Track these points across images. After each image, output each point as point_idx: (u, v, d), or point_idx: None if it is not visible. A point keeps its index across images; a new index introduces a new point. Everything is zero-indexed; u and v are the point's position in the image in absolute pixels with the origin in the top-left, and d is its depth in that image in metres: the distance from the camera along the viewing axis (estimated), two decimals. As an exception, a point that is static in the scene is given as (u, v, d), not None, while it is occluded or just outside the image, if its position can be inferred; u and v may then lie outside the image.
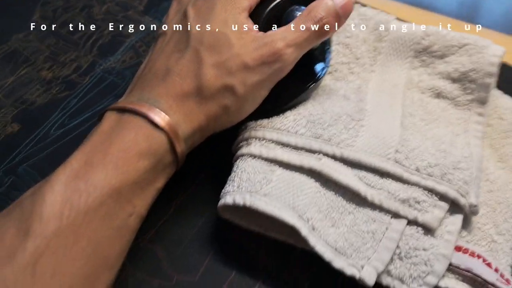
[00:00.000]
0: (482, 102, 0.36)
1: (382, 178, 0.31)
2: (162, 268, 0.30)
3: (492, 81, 0.35)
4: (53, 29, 0.43)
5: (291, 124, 0.32)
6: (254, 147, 0.31)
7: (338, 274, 0.28)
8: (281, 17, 0.32)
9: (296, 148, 0.31)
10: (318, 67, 0.34)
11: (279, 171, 0.31)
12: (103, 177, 0.25)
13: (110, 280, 0.26)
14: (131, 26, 0.44)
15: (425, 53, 0.38)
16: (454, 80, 0.37)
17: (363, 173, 0.31)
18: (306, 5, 0.32)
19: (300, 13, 0.32)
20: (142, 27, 0.44)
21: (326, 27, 0.30)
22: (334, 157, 0.31)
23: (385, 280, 0.29)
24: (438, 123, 0.35)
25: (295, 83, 0.33)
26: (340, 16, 0.31)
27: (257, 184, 0.30)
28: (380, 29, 0.38)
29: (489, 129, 0.37)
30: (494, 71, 0.35)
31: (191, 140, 0.30)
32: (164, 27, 0.32)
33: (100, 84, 0.39)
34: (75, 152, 0.27)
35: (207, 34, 0.29)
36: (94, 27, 0.43)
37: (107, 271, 0.26)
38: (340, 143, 0.31)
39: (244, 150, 0.32)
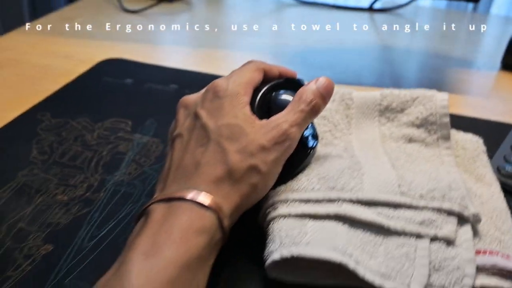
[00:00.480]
0: (446, 138, 0.43)
1: (396, 209, 0.35)
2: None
3: (448, 119, 0.43)
4: (54, 160, 0.45)
5: (306, 184, 0.37)
6: (282, 209, 0.35)
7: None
8: (268, 104, 0.39)
9: (317, 201, 0.36)
10: (311, 139, 0.40)
11: (311, 223, 0.34)
12: (173, 253, 0.28)
13: None
14: (125, 144, 0.48)
15: (387, 111, 0.45)
16: (418, 126, 0.44)
17: (379, 209, 0.35)
18: (284, 89, 0.39)
19: (282, 96, 0.39)
20: (135, 144, 0.48)
21: (317, 106, 0.37)
22: (351, 201, 0.35)
23: (430, 292, 0.32)
24: (419, 162, 0.41)
25: (298, 154, 0.38)
26: (325, 96, 0.38)
27: (296, 237, 0.33)
28: (346, 99, 0.46)
29: (458, 159, 0.44)
30: (447, 111, 0.43)
31: (231, 218, 0.33)
32: (178, 131, 0.37)
33: (115, 196, 0.41)
34: (136, 241, 0.29)
35: (224, 128, 0.34)
36: (92, 152, 0.47)
37: None
38: (352, 189, 0.36)
39: (274, 213, 0.35)
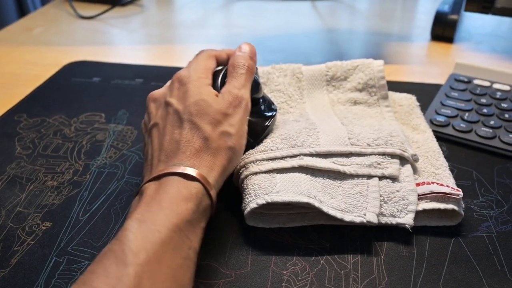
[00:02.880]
0: (385, 97, 0.50)
1: (348, 157, 0.42)
2: (221, 272, 0.36)
3: (385, 81, 0.50)
4: (38, 153, 0.49)
5: (271, 145, 0.42)
6: (253, 168, 0.41)
7: (343, 232, 0.37)
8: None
9: (282, 158, 0.41)
10: (268, 111, 0.46)
11: (278, 175, 0.40)
12: (164, 218, 0.32)
13: None
14: (102, 133, 0.52)
15: (332, 80, 0.52)
16: (360, 90, 0.51)
17: (334, 159, 0.42)
18: None
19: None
20: (111, 132, 0.53)
21: (250, 66, 0.43)
22: (311, 155, 0.42)
23: (382, 219, 0.39)
24: (364, 119, 0.48)
25: (260, 124, 0.44)
26: (252, 56, 0.44)
27: (268, 188, 0.39)
28: (296, 74, 0.52)
29: (396, 114, 0.51)
30: (383, 74, 0.50)
31: (218, 185, 0.38)
32: (153, 121, 0.41)
33: (100, 177, 0.46)
34: (132, 213, 0.33)
35: (191, 106, 0.39)
36: (73, 142, 0.51)
37: None
38: (310, 145, 0.42)
39: (246, 172, 0.41)
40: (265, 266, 0.37)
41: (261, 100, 0.46)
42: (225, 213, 0.42)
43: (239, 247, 0.39)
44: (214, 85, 0.42)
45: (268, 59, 0.73)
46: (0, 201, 0.43)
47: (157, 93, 0.43)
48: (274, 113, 0.46)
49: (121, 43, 0.81)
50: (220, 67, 0.45)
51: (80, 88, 0.63)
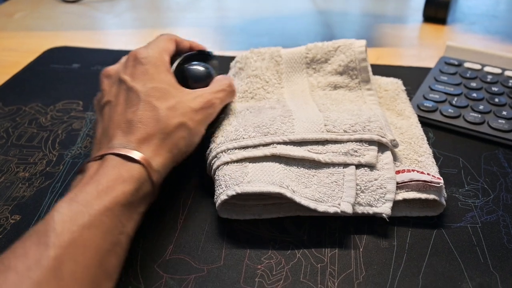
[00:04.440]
0: (367, 81, 0.48)
1: (324, 145, 0.40)
2: (193, 266, 0.35)
3: (367, 64, 0.48)
4: (12, 143, 0.48)
5: (243, 133, 0.41)
6: (224, 158, 0.39)
7: (322, 225, 0.36)
8: (183, 72, 0.43)
9: (254, 146, 0.40)
10: None
11: (250, 165, 0.39)
12: (97, 200, 0.30)
13: None
14: (78, 122, 0.51)
15: (312, 63, 0.50)
16: (341, 73, 0.49)
17: (309, 147, 0.40)
18: (197, 60, 0.45)
19: (195, 67, 0.44)
20: (88, 120, 0.51)
21: (233, 91, 0.44)
22: (285, 143, 0.40)
23: (359, 209, 0.37)
24: (344, 104, 0.46)
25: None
26: (233, 90, 0.45)
27: (239, 178, 0.37)
28: (275, 57, 0.50)
29: (381, 100, 0.49)
30: (364, 56, 0.48)
31: (162, 171, 0.36)
32: (106, 99, 0.40)
33: (74, 167, 0.44)
34: (68, 192, 0.31)
35: (152, 90, 0.38)
36: (48, 132, 0.50)
37: (109, 281, 0.30)
38: (284, 133, 0.40)
39: (218, 162, 0.39)
40: (239, 260, 0.36)
41: None
42: (198, 204, 0.40)
43: (213, 240, 0.37)
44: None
45: (255, 43, 0.70)
46: (-31, 193, 0.42)
47: (111, 69, 0.42)
48: None
49: (106, 28, 0.79)
50: (180, 55, 0.44)
51: (59, 74, 0.62)
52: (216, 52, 0.67)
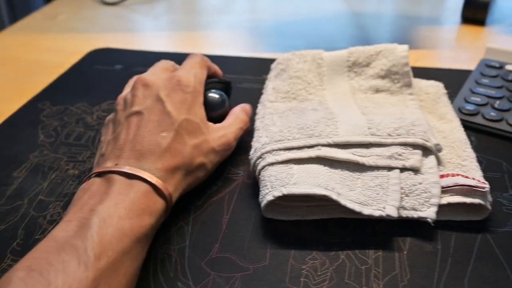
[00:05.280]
0: (409, 85, 0.48)
1: (368, 148, 0.40)
2: (239, 265, 0.36)
3: (409, 68, 0.48)
4: (60, 141, 0.50)
5: (287, 134, 0.42)
6: (269, 159, 0.40)
7: (365, 227, 0.36)
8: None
9: (299, 148, 0.41)
10: None
11: (295, 166, 0.39)
12: (130, 228, 0.32)
13: None
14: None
15: (354, 66, 0.50)
16: (383, 77, 0.49)
17: (353, 150, 0.40)
18: (215, 88, 0.47)
19: (212, 95, 0.46)
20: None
21: (248, 128, 0.46)
22: (329, 145, 0.40)
23: (403, 213, 0.37)
24: (386, 107, 0.46)
25: None
26: (248, 122, 0.46)
27: (285, 179, 0.38)
28: (317, 60, 0.51)
29: (422, 103, 0.49)
30: (407, 61, 0.48)
31: (174, 204, 0.38)
32: (138, 108, 0.39)
33: (120, 166, 0.46)
34: (98, 207, 0.32)
35: (185, 122, 0.39)
36: (94, 131, 0.51)
37: None
38: (328, 135, 0.41)
39: (263, 163, 0.40)
40: (284, 260, 0.36)
41: None
42: (242, 204, 0.41)
43: (258, 240, 0.38)
44: None
45: (290, 45, 0.71)
46: (23, 189, 0.43)
47: (150, 80, 0.41)
48: None
49: (144, 30, 0.81)
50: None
51: (103, 75, 0.63)
52: (251, 54, 0.68)
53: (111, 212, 0.32)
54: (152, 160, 0.36)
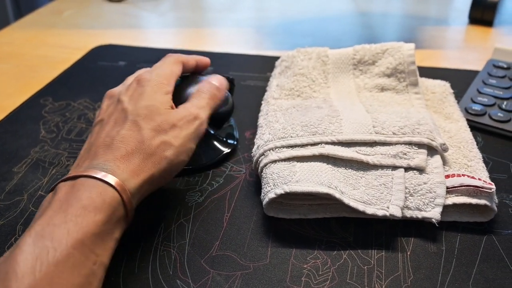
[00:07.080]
0: (415, 84, 0.48)
1: (372, 147, 0.40)
2: (239, 263, 0.35)
3: (416, 67, 0.47)
4: (62, 137, 0.50)
5: (290, 131, 0.41)
6: (272, 156, 0.39)
7: (367, 226, 0.36)
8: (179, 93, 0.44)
9: (302, 145, 0.40)
10: (231, 140, 0.47)
11: (298, 164, 0.39)
12: (66, 232, 0.29)
13: None
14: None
15: (360, 64, 0.50)
16: (389, 76, 0.48)
17: (357, 148, 0.40)
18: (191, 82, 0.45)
19: (188, 90, 0.44)
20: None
21: (213, 95, 0.42)
22: (333, 143, 0.40)
23: (407, 213, 0.37)
24: (391, 106, 0.46)
25: (217, 148, 0.46)
26: (218, 87, 0.43)
27: (287, 177, 0.37)
28: (322, 57, 0.50)
29: (428, 102, 0.48)
30: (413, 59, 0.47)
31: (140, 193, 0.35)
32: (100, 117, 0.39)
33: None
34: (36, 220, 0.30)
35: (141, 109, 0.37)
36: (96, 127, 0.51)
37: None
38: (332, 133, 0.40)
39: (265, 160, 0.40)
40: (285, 259, 0.36)
41: (228, 123, 0.48)
42: (244, 202, 0.41)
43: (259, 238, 0.37)
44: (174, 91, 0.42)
45: (296, 43, 0.70)
46: (23, 184, 0.43)
47: (114, 90, 0.42)
48: (235, 142, 0.47)
49: (149, 27, 0.81)
50: (185, 74, 0.45)
51: (106, 71, 0.63)
52: (258, 52, 0.68)
53: (45, 224, 0.29)
54: (103, 154, 0.35)
